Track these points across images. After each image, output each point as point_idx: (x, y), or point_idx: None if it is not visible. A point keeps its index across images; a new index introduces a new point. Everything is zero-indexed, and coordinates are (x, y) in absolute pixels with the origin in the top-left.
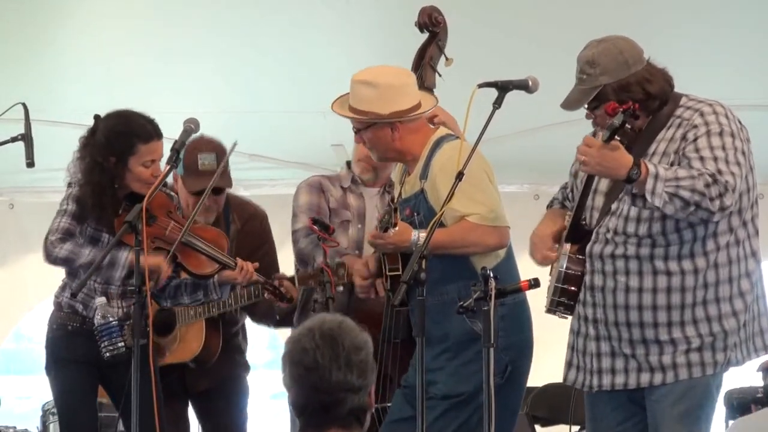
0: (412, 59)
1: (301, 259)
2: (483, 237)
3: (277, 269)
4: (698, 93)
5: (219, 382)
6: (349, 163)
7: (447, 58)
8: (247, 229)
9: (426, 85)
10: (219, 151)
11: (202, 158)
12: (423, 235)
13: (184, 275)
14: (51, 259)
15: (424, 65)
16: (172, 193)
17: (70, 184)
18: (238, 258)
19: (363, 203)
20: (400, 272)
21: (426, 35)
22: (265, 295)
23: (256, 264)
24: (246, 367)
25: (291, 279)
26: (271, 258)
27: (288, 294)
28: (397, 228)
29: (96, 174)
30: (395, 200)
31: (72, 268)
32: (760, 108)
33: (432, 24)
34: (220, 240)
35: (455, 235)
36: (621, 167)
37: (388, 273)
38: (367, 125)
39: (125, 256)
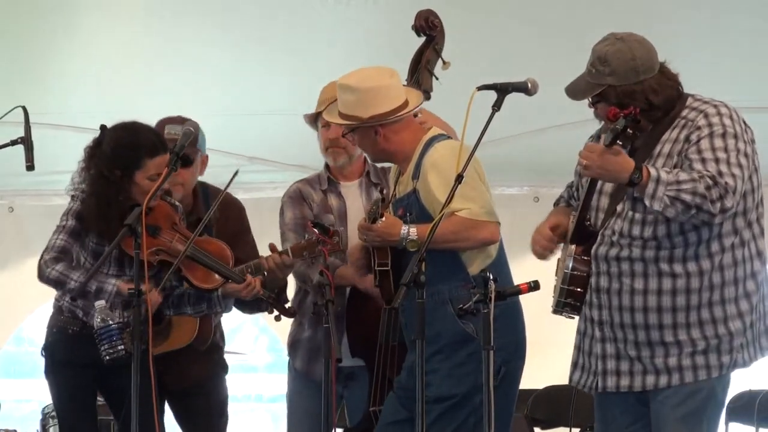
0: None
1: (299, 279)
2: (473, 232)
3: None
4: (707, 94)
5: (197, 381)
6: (327, 164)
7: (444, 62)
8: (226, 215)
9: (423, 88)
10: (186, 125)
11: (169, 128)
12: (413, 230)
13: (187, 286)
14: (43, 279)
15: (421, 69)
16: (177, 203)
17: (73, 197)
18: (248, 275)
19: (343, 202)
20: (388, 268)
21: (423, 39)
22: (268, 310)
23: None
24: (224, 367)
25: (285, 252)
26: (253, 246)
27: (292, 309)
28: (384, 219)
29: (101, 186)
30: (383, 191)
31: (61, 290)
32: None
33: (429, 27)
34: (225, 253)
35: (446, 230)
36: (623, 171)
37: (377, 268)
38: (352, 129)
39: (112, 285)
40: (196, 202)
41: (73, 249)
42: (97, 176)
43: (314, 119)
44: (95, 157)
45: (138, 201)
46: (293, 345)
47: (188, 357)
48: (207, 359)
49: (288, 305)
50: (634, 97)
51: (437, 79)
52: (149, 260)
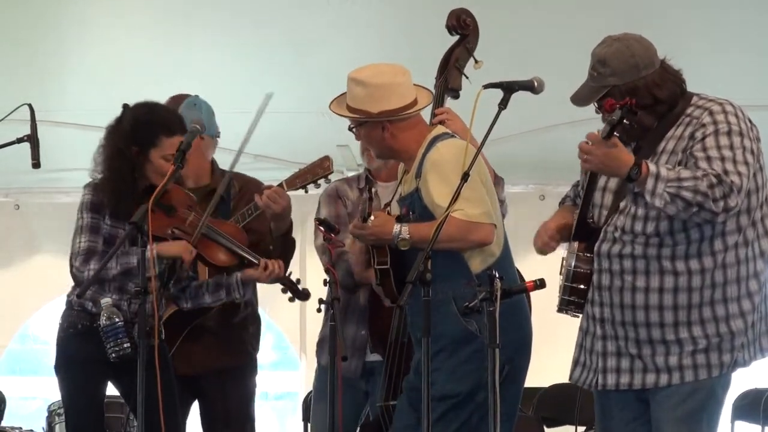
0: (418, 58)
1: (344, 284)
2: (464, 232)
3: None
4: (711, 93)
5: (211, 368)
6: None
7: (476, 61)
8: (244, 192)
9: (450, 86)
10: (192, 121)
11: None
12: (405, 229)
13: (202, 277)
14: (82, 284)
15: (450, 67)
16: (191, 195)
17: (85, 186)
18: (267, 261)
19: (378, 201)
20: (388, 266)
21: (453, 38)
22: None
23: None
24: (252, 366)
25: (280, 185)
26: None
27: (306, 291)
28: (374, 217)
29: (117, 161)
30: (371, 190)
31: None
32: None
33: (461, 26)
34: (240, 235)
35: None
36: (622, 166)
37: (377, 267)
38: (359, 123)
39: (136, 260)
40: (214, 178)
41: (98, 245)
42: (115, 152)
43: None
44: (114, 134)
45: (152, 180)
46: (323, 341)
47: (203, 343)
48: (224, 349)
49: (302, 287)
50: (638, 93)
51: (467, 77)
52: (166, 236)
